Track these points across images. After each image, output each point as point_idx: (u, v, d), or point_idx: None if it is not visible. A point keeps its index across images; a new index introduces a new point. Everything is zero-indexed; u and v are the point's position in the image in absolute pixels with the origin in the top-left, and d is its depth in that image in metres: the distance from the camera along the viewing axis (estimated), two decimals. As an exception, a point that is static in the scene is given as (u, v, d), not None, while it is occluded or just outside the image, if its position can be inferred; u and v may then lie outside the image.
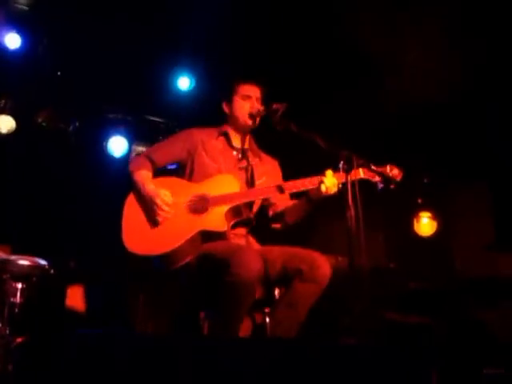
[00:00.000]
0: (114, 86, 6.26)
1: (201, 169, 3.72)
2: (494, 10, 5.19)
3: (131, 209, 3.61)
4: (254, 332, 3.45)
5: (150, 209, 3.53)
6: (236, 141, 3.86)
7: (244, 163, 3.81)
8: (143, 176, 3.66)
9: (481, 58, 5.51)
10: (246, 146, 3.88)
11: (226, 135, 3.86)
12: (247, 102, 3.77)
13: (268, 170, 3.84)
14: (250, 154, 3.86)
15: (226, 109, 3.88)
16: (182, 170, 3.80)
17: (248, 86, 3.81)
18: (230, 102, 3.85)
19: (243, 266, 3.09)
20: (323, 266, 3.33)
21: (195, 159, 3.75)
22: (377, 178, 3.47)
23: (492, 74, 5.70)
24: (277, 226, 3.77)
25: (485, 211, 6.96)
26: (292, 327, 3.33)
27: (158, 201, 3.48)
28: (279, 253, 3.47)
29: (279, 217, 3.75)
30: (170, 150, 3.84)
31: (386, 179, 3.45)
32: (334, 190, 3.42)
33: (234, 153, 3.84)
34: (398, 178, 3.51)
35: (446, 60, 5.54)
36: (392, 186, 3.46)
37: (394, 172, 3.51)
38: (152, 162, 3.74)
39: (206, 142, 3.81)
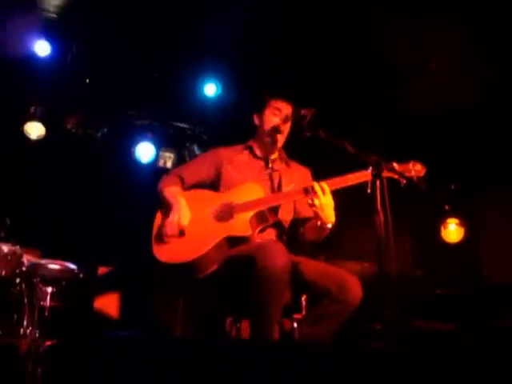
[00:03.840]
0: (141, 92, 6.32)
1: (227, 181, 3.76)
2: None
3: (162, 217, 3.66)
4: (282, 337, 3.45)
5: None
6: (262, 152, 3.90)
7: (270, 171, 3.83)
8: (173, 191, 3.72)
9: (509, 61, 5.47)
10: (274, 155, 3.90)
11: (251, 148, 3.91)
12: (277, 116, 3.80)
13: (297, 179, 3.82)
14: (277, 162, 3.89)
15: (256, 121, 3.92)
16: (209, 187, 3.83)
17: (280, 102, 3.82)
18: (261, 114, 3.88)
19: (269, 259, 3.09)
20: (353, 287, 3.30)
21: (222, 173, 3.80)
22: (398, 175, 3.44)
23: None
24: (300, 240, 3.77)
25: (513, 217, 6.89)
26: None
27: (175, 218, 3.54)
28: (311, 266, 3.46)
29: (302, 232, 3.74)
30: (199, 167, 3.90)
31: (409, 176, 3.42)
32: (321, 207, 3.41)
33: (261, 163, 3.87)
34: (421, 174, 3.49)
35: (474, 66, 5.50)
36: (415, 182, 3.44)
37: (416, 168, 3.48)
38: (182, 179, 3.81)
39: (231, 157, 3.87)
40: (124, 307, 5.61)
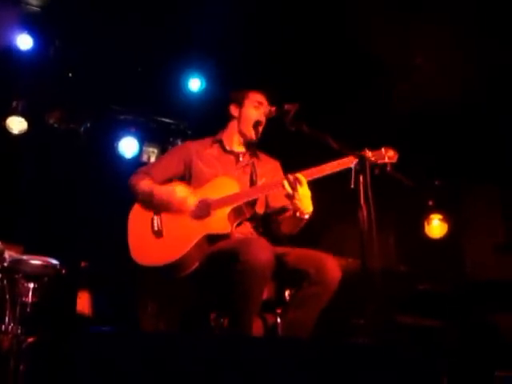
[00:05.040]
0: (125, 87, 6.29)
1: (198, 176, 3.73)
2: (508, 13, 5.17)
3: (136, 220, 3.64)
4: (265, 333, 3.45)
5: (157, 215, 3.56)
6: (232, 145, 3.88)
7: (242, 165, 3.82)
8: (148, 184, 3.68)
9: (495, 61, 5.50)
10: (244, 149, 3.89)
11: (221, 142, 3.88)
12: (258, 110, 3.79)
13: (268, 171, 3.82)
14: (247, 155, 3.87)
15: (234, 112, 3.89)
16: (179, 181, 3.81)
17: (258, 95, 3.83)
18: (240, 106, 3.86)
19: (252, 253, 3.08)
20: (332, 269, 3.30)
21: (192, 169, 3.77)
22: (372, 160, 3.41)
23: (506, 77, 5.67)
24: (273, 232, 3.75)
25: (496, 213, 6.94)
26: (303, 329, 3.30)
27: (177, 196, 3.51)
28: (291, 254, 3.45)
29: (277, 225, 3.74)
30: (168, 164, 3.87)
31: (382, 163, 3.42)
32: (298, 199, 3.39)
33: (232, 157, 3.85)
34: (394, 160, 3.46)
35: (459, 63, 5.53)
36: (388, 169, 3.44)
37: (389, 154, 3.45)
38: (151, 176, 3.76)
39: (200, 151, 3.83)
40: (100, 306, 5.57)
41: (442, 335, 5.40)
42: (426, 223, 7.28)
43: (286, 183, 3.40)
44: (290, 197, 3.40)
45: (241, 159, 3.84)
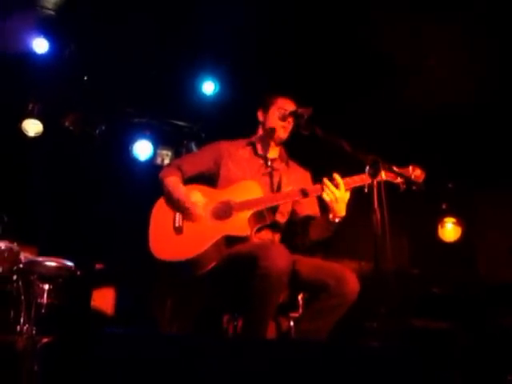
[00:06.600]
0: (139, 90, 6.32)
1: (226, 177, 3.76)
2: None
3: (159, 215, 3.66)
4: (279, 336, 3.45)
5: (179, 212, 3.58)
6: (264, 150, 3.89)
7: (270, 170, 3.82)
8: (173, 181, 3.72)
9: (506, 62, 5.48)
10: (275, 154, 3.89)
11: (253, 145, 3.90)
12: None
13: (297, 180, 3.80)
14: (277, 162, 3.88)
15: (260, 117, 3.92)
16: (209, 180, 3.83)
17: (287, 101, 3.82)
18: (266, 111, 3.88)
19: (271, 259, 3.09)
20: (351, 281, 3.30)
21: (221, 168, 3.79)
22: (399, 180, 3.44)
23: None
24: (299, 241, 3.75)
25: (510, 216, 6.89)
26: (318, 338, 3.31)
27: (191, 199, 3.54)
28: (308, 263, 3.46)
29: (303, 231, 3.73)
30: (199, 160, 3.90)
31: (408, 181, 3.43)
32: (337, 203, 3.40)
33: (261, 161, 3.86)
34: (421, 180, 3.48)
35: (471, 65, 5.51)
36: (414, 188, 3.44)
37: (416, 173, 3.48)
38: (181, 171, 3.80)
39: (232, 152, 3.86)
40: (119, 304, 5.61)
41: (454, 338, 5.38)
42: (439, 226, 7.25)
43: (327, 182, 3.41)
44: (327, 196, 3.40)
45: (269, 164, 3.85)
